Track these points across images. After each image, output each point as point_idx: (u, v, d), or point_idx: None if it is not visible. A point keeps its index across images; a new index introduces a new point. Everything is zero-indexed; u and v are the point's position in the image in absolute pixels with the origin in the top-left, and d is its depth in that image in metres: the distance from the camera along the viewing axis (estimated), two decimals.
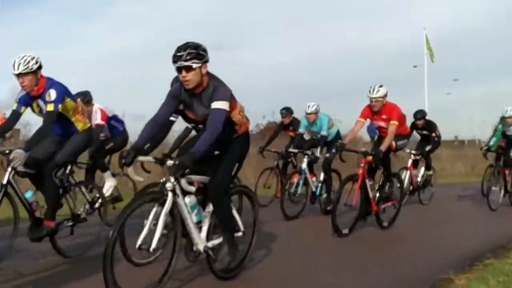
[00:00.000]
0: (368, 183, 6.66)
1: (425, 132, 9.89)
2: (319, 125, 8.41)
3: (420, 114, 9.74)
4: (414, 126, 9.68)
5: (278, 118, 20.49)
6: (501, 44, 51.17)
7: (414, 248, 6.03)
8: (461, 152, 22.42)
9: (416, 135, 10.20)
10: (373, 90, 6.70)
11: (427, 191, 10.14)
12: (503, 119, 9.21)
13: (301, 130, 8.66)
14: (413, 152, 9.69)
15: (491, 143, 9.31)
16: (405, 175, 9.41)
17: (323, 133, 8.34)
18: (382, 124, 6.93)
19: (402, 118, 7.02)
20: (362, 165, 6.59)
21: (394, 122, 6.68)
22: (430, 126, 9.83)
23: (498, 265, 4.85)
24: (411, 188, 9.71)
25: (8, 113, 5.65)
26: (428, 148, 9.75)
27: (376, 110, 6.81)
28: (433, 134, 9.82)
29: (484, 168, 10.65)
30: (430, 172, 10.10)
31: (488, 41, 51.69)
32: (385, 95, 6.74)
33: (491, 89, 48.66)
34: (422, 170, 10.03)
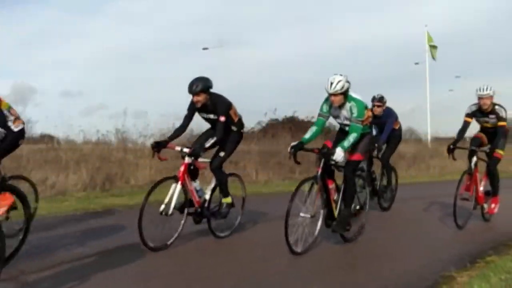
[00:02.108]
0: None
1: (211, 116, 5.92)
2: None
3: (199, 86, 5.67)
4: (192, 106, 5.86)
5: (280, 115, 20.52)
6: (503, 40, 51.02)
7: (416, 246, 6.03)
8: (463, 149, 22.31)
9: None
10: None
11: (229, 217, 6.22)
12: (328, 98, 5.62)
13: None
14: (185, 150, 5.68)
15: (306, 136, 5.62)
16: (174, 190, 5.54)
17: None
18: None
19: None
20: None
21: None
22: (216, 106, 5.83)
23: (500, 263, 4.86)
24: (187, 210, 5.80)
25: None
26: (210, 142, 5.73)
27: None
28: (221, 119, 5.77)
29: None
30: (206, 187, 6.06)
31: (490, 37, 51.60)
32: None
33: (493, 85, 48.51)
34: (214, 182, 6.05)
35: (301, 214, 5.31)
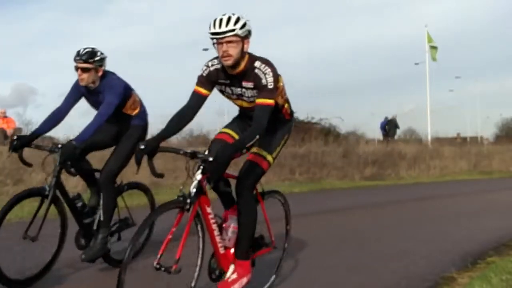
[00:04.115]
0: None
1: None
2: None
3: None
4: None
5: None
6: (503, 40, 51.07)
7: (416, 246, 6.02)
8: (464, 149, 22.38)
9: None
10: None
11: None
12: None
13: None
14: None
15: None
16: None
17: None
18: None
19: None
20: None
21: None
22: None
23: (501, 263, 4.84)
24: None
25: (9, 112, 5.43)
26: None
27: None
28: None
29: (487, 165, 9.90)
30: None
31: (490, 37, 51.62)
32: None
33: (493, 85, 48.55)
34: None
35: None
